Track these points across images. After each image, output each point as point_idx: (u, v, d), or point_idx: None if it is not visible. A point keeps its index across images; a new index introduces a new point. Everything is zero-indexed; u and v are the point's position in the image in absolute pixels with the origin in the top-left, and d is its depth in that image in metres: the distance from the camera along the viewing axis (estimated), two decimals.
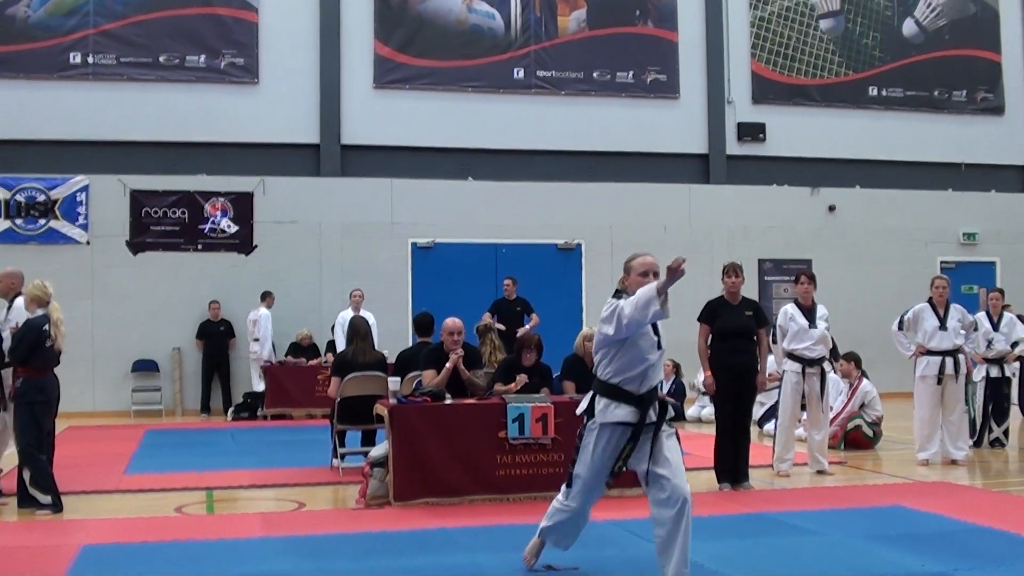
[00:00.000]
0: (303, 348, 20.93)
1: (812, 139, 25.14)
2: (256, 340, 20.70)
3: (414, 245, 22.44)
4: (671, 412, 7.07)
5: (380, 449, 10.68)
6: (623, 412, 6.81)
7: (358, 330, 13.04)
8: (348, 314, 18.67)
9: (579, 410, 7.13)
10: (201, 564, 7.88)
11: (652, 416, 6.87)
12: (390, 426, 10.31)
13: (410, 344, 15.18)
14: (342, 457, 12.62)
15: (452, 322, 11.84)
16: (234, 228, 21.72)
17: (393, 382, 11.25)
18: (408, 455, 10.28)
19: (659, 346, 6.94)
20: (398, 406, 10.43)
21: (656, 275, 6.89)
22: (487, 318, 16.28)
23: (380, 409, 10.78)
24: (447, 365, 11.40)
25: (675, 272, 6.41)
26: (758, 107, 24.98)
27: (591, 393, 7.06)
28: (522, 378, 11.38)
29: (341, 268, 22.03)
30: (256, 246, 21.81)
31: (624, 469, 6.96)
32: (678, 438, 7.08)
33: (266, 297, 21.02)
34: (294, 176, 22.22)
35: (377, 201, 22.35)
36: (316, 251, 22.06)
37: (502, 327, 17.23)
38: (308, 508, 10.52)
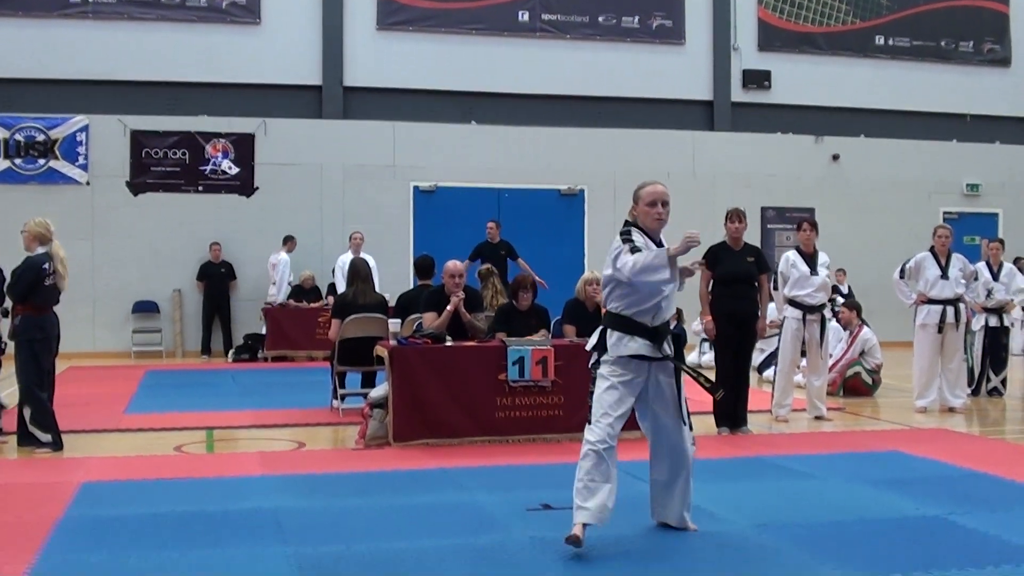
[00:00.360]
0: (305, 290, 20.91)
1: (817, 87, 25.01)
2: (274, 284, 20.61)
3: (416, 189, 22.37)
4: (681, 341, 6.87)
5: (380, 390, 10.70)
6: (637, 344, 6.54)
7: (359, 272, 13.03)
8: (348, 257, 18.65)
9: (589, 345, 6.85)
10: (200, 501, 7.89)
11: (667, 350, 6.66)
12: (390, 367, 10.32)
13: (411, 287, 15.18)
14: (342, 398, 12.64)
15: (453, 265, 11.81)
16: (235, 170, 21.64)
17: (394, 324, 11.23)
18: (408, 396, 10.30)
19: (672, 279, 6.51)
20: (398, 348, 10.43)
21: (665, 205, 6.76)
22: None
23: (380, 351, 10.79)
24: (448, 308, 11.38)
25: (691, 241, 6.30)
26: (764, 54, 24.83)
27: (601, 328, 6.78)
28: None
29: (342, 211, 21.97)
30: (257, 188, 21.74)
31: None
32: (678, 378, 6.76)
33: (287, 241, 20.93)
34: (296, 118, 22.10)
35: (379, 144, 22.26)
36: (317, 194, 22.00)
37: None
38: (308, 448, 10.55)
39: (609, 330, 6.65)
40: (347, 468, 9.34)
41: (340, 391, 12.70)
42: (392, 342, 10.66)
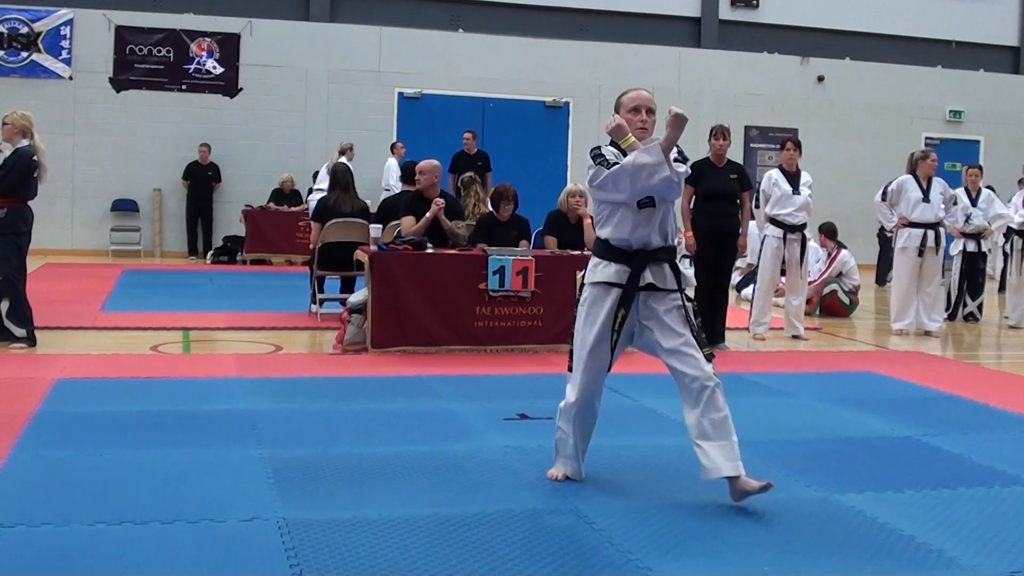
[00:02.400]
0: (285, 194, 20.83)
1: (805, 8, 24.89)
2: (387, 189, 20.15)
3: (400, 95, 22.24)
4: (687, 279, 6.02)
5: (359, 296, 10.68)
6: (611, 271, 5.84)
7: (340, 177, 12.96)
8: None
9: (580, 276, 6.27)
10: (175, 400, 7.89)
11: (648, 278, 5.81)
12: (370, 273, 10.30)
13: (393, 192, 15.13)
14: (321, 303, 12.63)
15: (427, 162, 11.80)
16: (219, 70, 21.45)
17: (375, 229, 11.21)
18: (387, 303, 10.29)
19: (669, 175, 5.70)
20: (378, 253, 10.41)
21: (651, 112, 6.00)
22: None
23: (360, 256, 10.76)
24: (427, 215, 11.32)
25: (679, 122, 5.62)
26: None
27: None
28: (435, 208, 11.35)
29: (326, 115, 21.85)
30: (241, 89, 21.58)
31: (617, 342, 5.85)
32: (687, 309, 5.88)
33: (394, 148, 20.74)
34: (282, 20, 21.91)
35: (365, 49, 22.09)
36: (302, 97, 21.86)
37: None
38: (285, 352, 10.55)
39: (592, 257, 6.07)
40: (324, 373, 9.36)
41: (319, 296, 12.68)
42: (372, 247, 10.63)
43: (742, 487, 5.57)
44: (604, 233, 5.95)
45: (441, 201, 11.40)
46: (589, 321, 5.89)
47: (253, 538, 4.96)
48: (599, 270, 5.90)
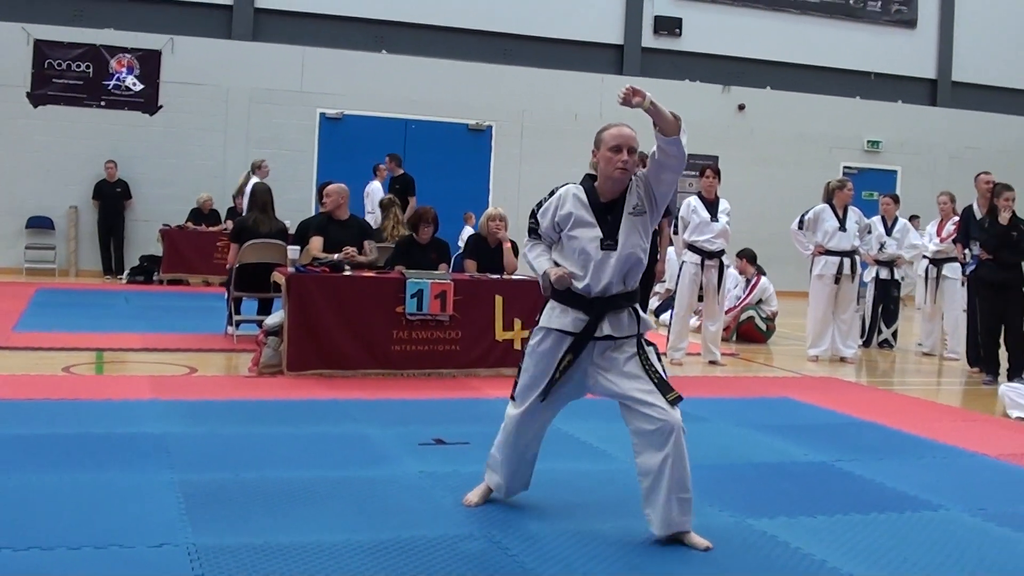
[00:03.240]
0: (203, 214, 20.67)
1: (727, 38, 25.16)
2: (370, 213, 19.79)
3: (323, 115, 22.16)
4: (646, 324, 5.72)
5: (276, 318, 10.60)
6: (568, 319, 5.56)
7: (259, 197, 12.87)
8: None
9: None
10: (86, 423, 7.77)
11: (606, 329, 5.55)
12: (287, 295, 10.21)
13: (313, 214, 15.06)
14: (237, 324, 12.52)
15: (333, 186, 11.80)
16: (139, 86, 21.25)
17: (292, 251, 11.11)
18: (303, 325, 10.21)
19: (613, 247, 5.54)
20: (296, 275, 10.33)
21: (632, 152, 5.69)
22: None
23: (278, 277, 10.67)
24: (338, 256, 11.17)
25: (559, 282, 5.52)
26: (677, 2, 24.94)
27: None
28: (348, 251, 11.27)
29: (247, 134, 21.71)
30: (161, 106, 21.39)
31: (557, 381, 5.63)
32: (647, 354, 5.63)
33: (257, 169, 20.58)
34: (204, 37, 21.73)
35: (287, 68, 22.00)
36: (223, 116, 21.70)
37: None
38: (200, 374, 10.42)
39: (550, 300, 5.71)
40: (238, 396, 9.25)
41: (235, 317, 12.57)
42: (290, 269, 10.55)
43: (686, 541, 5.45)
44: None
45: (351, 250, 11.26)
46: (534, 360, 5.69)
47: (162, 564, 4.89)
48: (555, 316, 5.62)
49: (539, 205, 5.76)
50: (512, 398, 5.84)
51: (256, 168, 18.13)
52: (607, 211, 5.61)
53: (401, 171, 18.85)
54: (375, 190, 19.49)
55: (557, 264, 5.64)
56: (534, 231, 5.78)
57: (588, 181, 5.75)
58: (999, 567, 5.33)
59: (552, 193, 5.76)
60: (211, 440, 7.42)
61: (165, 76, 21.42)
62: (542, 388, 5.66)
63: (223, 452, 7.06)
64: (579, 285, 5.54)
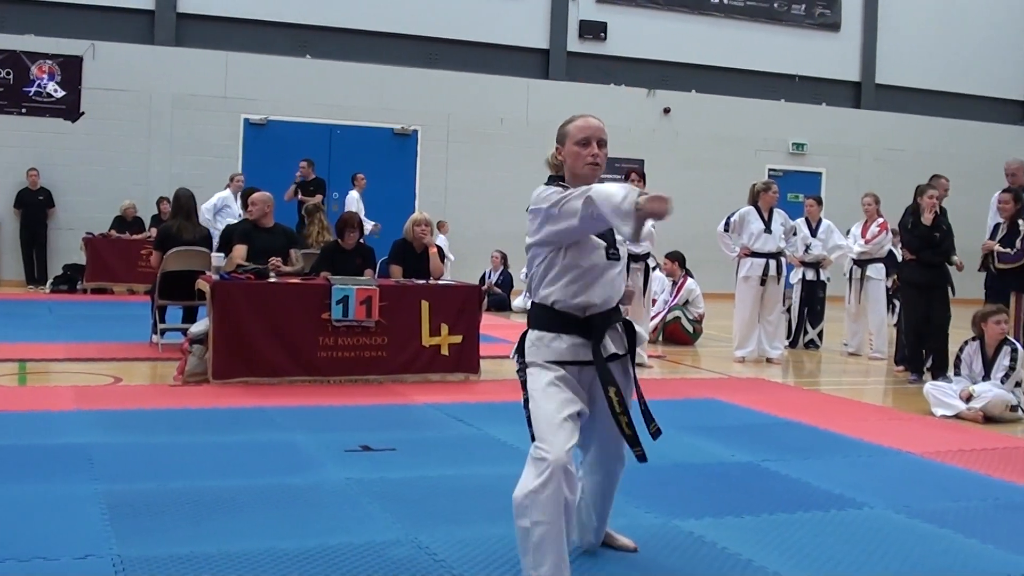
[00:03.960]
0: (127, 221, 20.46)
1: (652, 41, 25.29)
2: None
3: (247, 121, 22.04)
4: (640, 336, 5.06)
5: (200, 325, 10.51)
6: (564, 346, 4.77)
7: (183, 204, 12.76)
8: (226, 195, 18.38)
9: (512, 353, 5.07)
10: (8, 434, 7.66)
11: (609, 347, 4.89)
12: (211, 302, 10.13)
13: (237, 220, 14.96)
14: (162, 333, 12.39)
15: (258, 194, 11.76)
16: (61, 93, 21.01)
17: (216, 258, 11.03)
18: (229, 333, 10.13)
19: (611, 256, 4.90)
20: (220, 282, 10.25)
21: (601, 144, 4.94)
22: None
23: (202, 285, 10.58)
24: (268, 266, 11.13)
25: (661, 206, 4.26)
26: (601, 6, 24.99)
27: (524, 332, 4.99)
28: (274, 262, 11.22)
29: (170, 141, 21.54)
30: (83, 113, 21.16)
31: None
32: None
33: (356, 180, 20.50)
34: (126, 43, 21.53)
35: (211, 74, 21.85)
36: (145, 122, 21.51)
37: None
38: (124, 383, 10.32)
39: (529, 330, 4.90)
40: (164, 404, 9.15)
41: (160, 325, 12.45)
42: (214, 276, 10.47)
43: (614, 543, 5.46)
44: (547, 295, 4.81)
45: (277, 260, 11.22)
46: (549, 396, 4.71)
47: None
48: (544, 346, 4.79)
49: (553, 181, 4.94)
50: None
51: (231, 180, 18.06)
52: None
53: (314, 175, 18.87)
54: (352, 199, 19.57)
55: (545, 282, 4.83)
56: (563, 186, 4.82)
57: (554, 183, 4.92)
58: (923, 563, 5.39)
59: (553, 181, 4.96)
60: (136, 450, 7.34)
61: (87, 82, 21.20)
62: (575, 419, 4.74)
63: (148, 462, 6.99)
64: (575, 302, 4.78)
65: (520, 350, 4.92)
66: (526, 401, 4.77)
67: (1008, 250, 12.04)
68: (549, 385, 4.71)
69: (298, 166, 19.35)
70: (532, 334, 4.84)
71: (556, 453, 4.50)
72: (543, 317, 4.81)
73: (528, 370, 4.81)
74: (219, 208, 18.33)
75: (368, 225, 19.22)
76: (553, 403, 4.66)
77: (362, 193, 19.87)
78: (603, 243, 4.84)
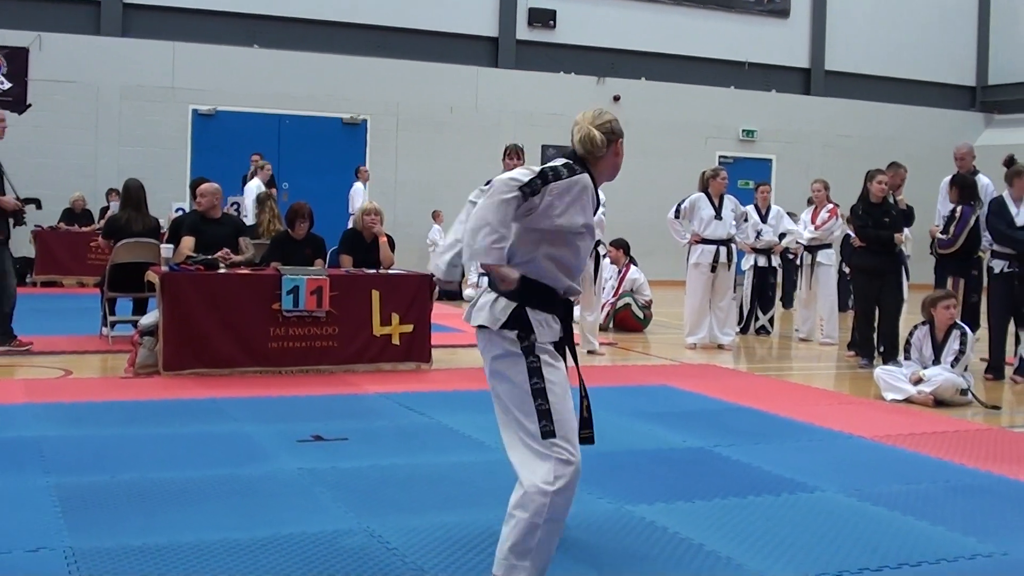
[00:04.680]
0: (76, 214, 20.31)
1: (601, 29, 25.34)
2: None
3: (195, 112, 21.92)
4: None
5: (150, 317, 10.45)
6: (557, 328, 4.60)
7: (132, 194, 12.68)
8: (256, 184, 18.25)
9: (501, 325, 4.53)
10: None
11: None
12: (161, 294, 10.08)
13: (186, 211, 14.90)
14: (112, 325, 12.32)
15: (206, 186, 11.73)
16: (7, 85, 20.81)
17: (166, 249, 10.97)
18: (179, 324, 10.09)
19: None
20: (170, 274, 10.20)
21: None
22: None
23: (152, 276, 10.52)
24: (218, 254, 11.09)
25: (503, 279, 4.39)
26: None
27: (515, 304, 4.54)
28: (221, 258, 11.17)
29: (119, 132, 21.39)
30: (30, 105, 20.97)
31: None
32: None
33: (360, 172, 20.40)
34: (73, 34, 21.34)
35: (158, 65, 21.69)
36: (93, 113, 21.35)
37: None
38: (75, 376, 10.26)
39: (528, 308, 4.54)
40: (115, 397, 9.12)
41: (110, 318, 12.38)
42: (164, 268, 10.42)
43: None
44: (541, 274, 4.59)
45: (226, 251, 11.18)
46: (567, 394, 4.55)
47: (39, 569, 4.82)
48: (547, 328, 4.57)
49: (554, 177, 4.56)
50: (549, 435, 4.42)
51: (259, 169, 17.92)
52: None
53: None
54: (357, 191, 19.56)
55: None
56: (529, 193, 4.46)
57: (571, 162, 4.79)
58: (874, 546, 5.43)
59: (555, 173, 4.59)
60: (87, 442, 7.31)
61: (33, 74, 21.02)
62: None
63: (100, 454, 6.96)
64: (567, 283, 4.65)
65: (523, 325, 4.53)
66: (539, 389, 4.45)
67: (943, 236, 12.20)
68: (565, 380, 4.55)
69: (250, 159, 19.24)
70: (535, 313, 4.54)
71: (579, 457, 4.45)
72: (544, 296, 4.58)
73: (541, 357, 4.49)
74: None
75: None
76: (571, 402, 4.54)
77: (365, 185, 19.90)
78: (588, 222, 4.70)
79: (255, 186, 17.80)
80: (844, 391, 11.09)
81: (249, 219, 15.59)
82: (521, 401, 4.46)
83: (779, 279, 16.15)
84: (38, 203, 12.60)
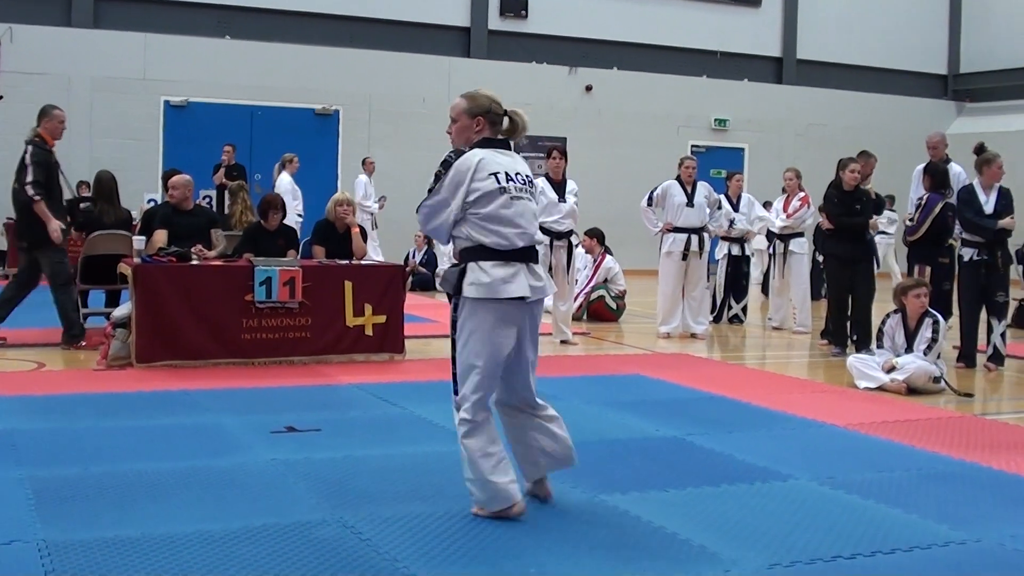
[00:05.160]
0: None
1: (573, 18, 25.33)
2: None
3: (167, 103, 21.84)
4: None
5: (123, 309, 10.43)
6: (519, 284, 5.61)
7: (104, 186, 12.63)
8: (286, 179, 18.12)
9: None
10: None
11: (540, 274, 5.85)
12: (134, 286, 10.05)
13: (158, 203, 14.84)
14: (85, 317, 12.27)
15: (178, 178, 11.69)
16: None
17: (138, 241, 10.93)
18: (151, 316, 10.07)
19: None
20: (142, 265, 10.18)
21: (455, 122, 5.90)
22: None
23: (124, 268, 10.50)
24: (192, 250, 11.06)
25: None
26: None
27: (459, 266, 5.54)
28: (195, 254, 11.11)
29: (90, 124, 21.28)
30: (1, 97, 20.82)
31: None
32: None
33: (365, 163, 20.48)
34: (44, 25, 21.24)
35: (130, 56, 21.61)
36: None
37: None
38: (47, 368, 10.23)
39: (469, 264, 5.51)
40: (87, 389, 9.08)
41: (83, 310, 12.32)
42: (136, 260, 10.38)
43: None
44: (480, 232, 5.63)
45: (199, 248, 11.14)
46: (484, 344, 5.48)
47: (11, 562, 4.80)
48: (500, 286, 5.52)
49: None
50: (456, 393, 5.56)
51: (287, 163, 17.84)
52: None
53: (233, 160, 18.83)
54: (360, 183, 19.50)
55: None
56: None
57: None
58: (847, 534, 5.45)
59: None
60: (60, 435, 7.29)
61: (5, 65, 20.88)
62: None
63: (72, 447, 6.94)
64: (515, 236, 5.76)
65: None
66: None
67: (909, 222, 12.29)
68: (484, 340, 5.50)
69: (222, 150, 19.20)
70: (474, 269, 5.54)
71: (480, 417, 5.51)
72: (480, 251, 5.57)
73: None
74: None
75: (374, 205, 19.25)
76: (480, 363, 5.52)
77: (370, 176, 19.91)
78: None
79: (287, 181, 17.77)
80: (817, 379, 11.13)
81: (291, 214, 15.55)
82: None
83: (750, 268, 16.19)
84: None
